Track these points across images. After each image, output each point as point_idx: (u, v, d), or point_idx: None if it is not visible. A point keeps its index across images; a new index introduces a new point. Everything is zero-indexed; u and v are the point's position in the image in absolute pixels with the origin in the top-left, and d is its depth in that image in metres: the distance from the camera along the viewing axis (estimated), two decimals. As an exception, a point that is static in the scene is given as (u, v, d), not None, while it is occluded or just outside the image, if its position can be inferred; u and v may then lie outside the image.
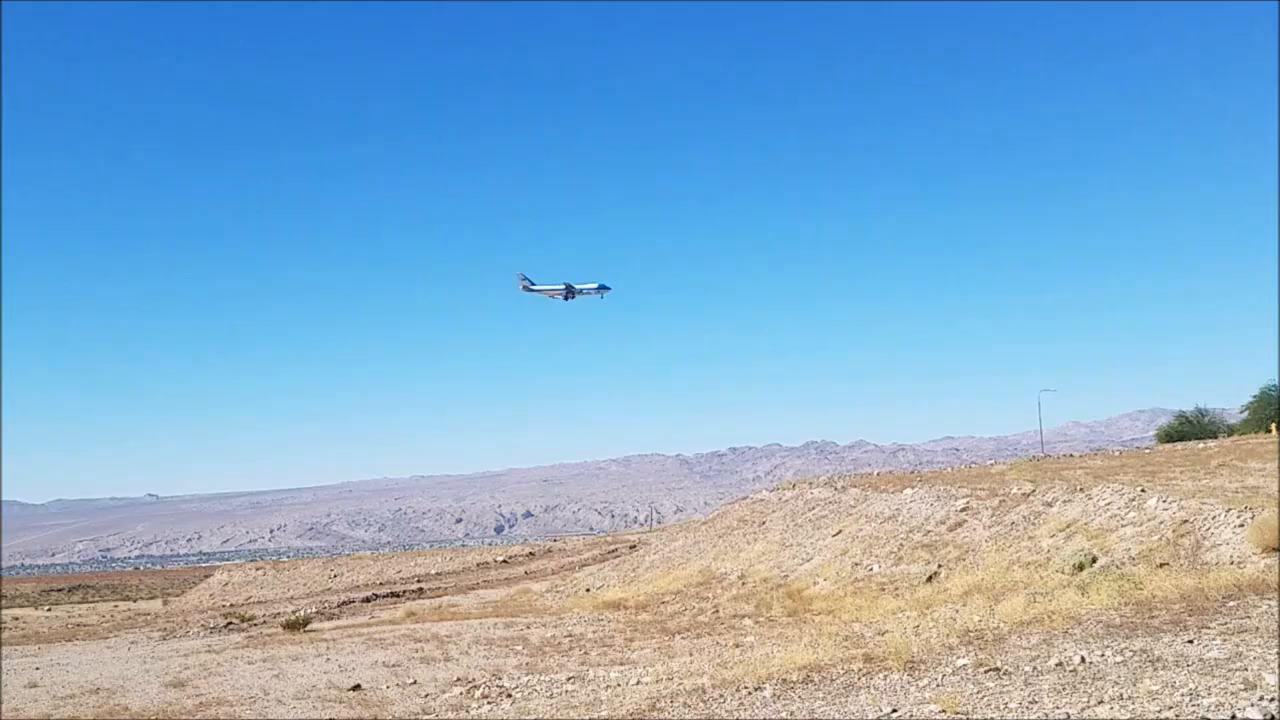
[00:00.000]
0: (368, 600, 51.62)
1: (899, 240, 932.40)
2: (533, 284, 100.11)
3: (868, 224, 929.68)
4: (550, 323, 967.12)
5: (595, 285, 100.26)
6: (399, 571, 76.86)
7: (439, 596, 51.86)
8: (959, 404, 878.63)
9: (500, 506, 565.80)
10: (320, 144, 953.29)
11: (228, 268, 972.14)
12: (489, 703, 17.28)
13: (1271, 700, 8.95)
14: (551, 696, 16.80)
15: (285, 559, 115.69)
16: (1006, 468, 47.48)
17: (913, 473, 59.70)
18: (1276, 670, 9.92)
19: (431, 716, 16.19)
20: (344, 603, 50.38)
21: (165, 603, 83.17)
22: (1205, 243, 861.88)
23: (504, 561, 77.63)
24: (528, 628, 29.65)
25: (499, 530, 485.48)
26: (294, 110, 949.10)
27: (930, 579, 26.85)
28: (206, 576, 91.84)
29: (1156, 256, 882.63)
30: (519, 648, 25.36)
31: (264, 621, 40.81)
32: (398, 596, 53.39)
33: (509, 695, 18.01)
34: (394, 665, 23.02)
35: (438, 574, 70.49)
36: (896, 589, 26.90)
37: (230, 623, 41.29)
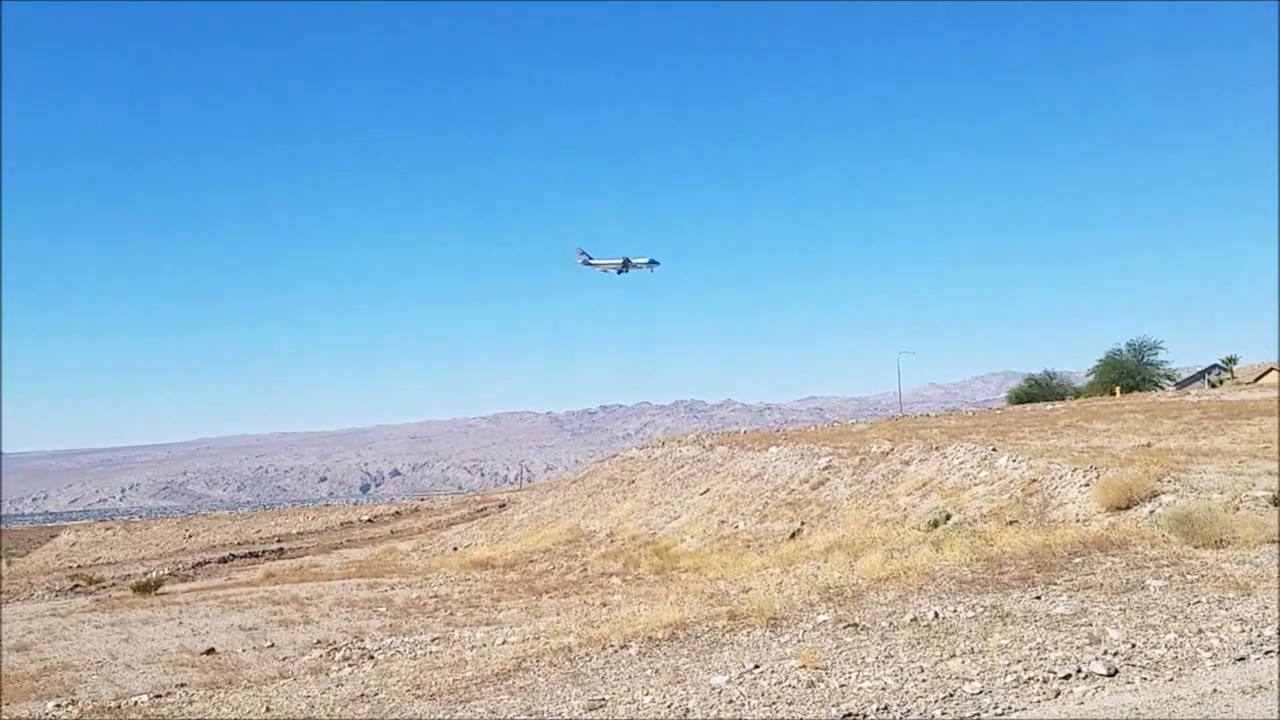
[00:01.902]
0: (224, 561, 50.14)
1: (764, 204, 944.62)
2: (591, 259, 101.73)
3: (734, 187, 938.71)
4: (420, 277, 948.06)
5: (647, 260, 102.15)
6: (259, 531, 74.74)
7: (300, 557, 50.70)
8: (823, 365, 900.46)
9: (366, 464, 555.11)
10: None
11: (79, 215, 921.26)
12: (350, 665, 16.94)
13: (1115, 654, 9.36)
14: (415, 658, 16.55)
15: (137, 519, 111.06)
16: (867, 427, 48.88)
17: (778, 431, 60.90)
18: (1119, 625, 10.39)
19: (289, 680, 15.73)
20: (199, 564, 48.84)
21: (8, 564, 79.01)
22: (1058, 216, 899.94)
23: (369, 521, 76.41)
24: (392, 588, 29.25)
25: (365, 489, 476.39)
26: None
27: (794, 536, 27.44)
28: (53, 537, 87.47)
29: (1010, 229, 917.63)
30: (383, 609, 24.98)
31: (113, 584, 39.38)
32: (256, 557, 52.01)
33: (371, 657, 17.70)
34: (251, 628, 22.43)
35: (300, 534, 68.87)
36: (761, 546, 27.41)
37: (77, 585, 39.74)
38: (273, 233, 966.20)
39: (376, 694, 12.43)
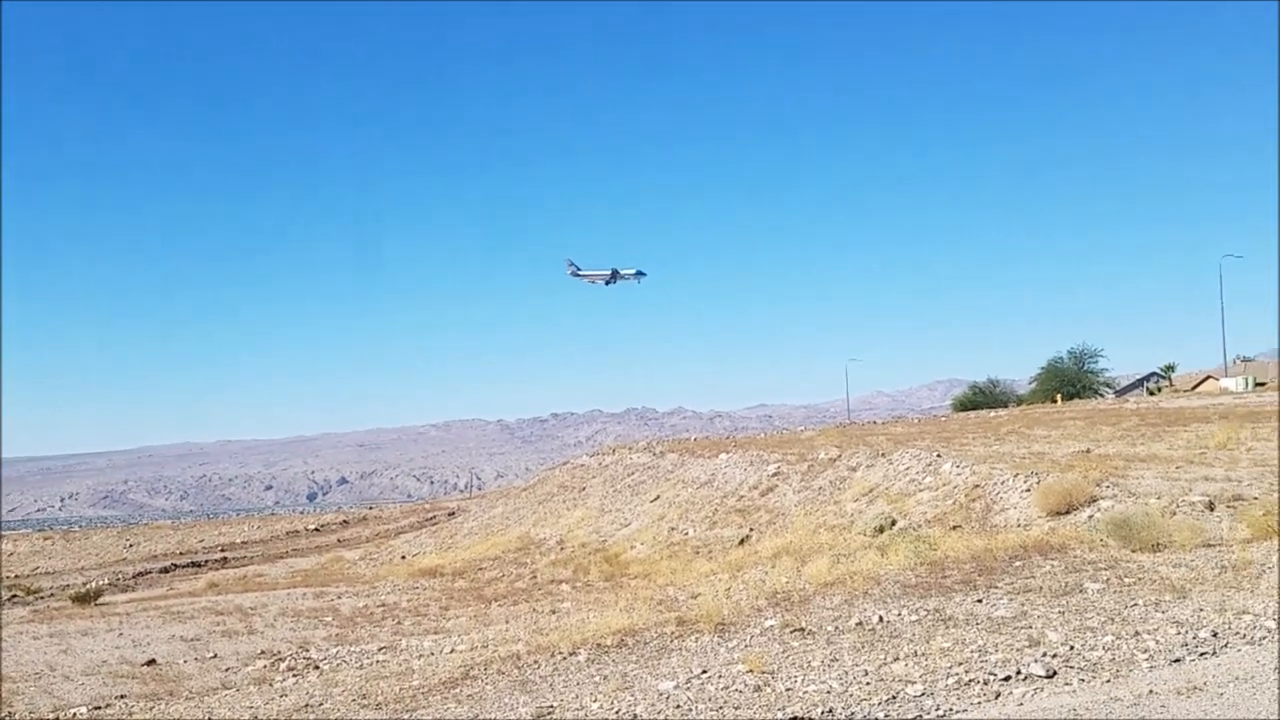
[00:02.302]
0: (166, 571, 49.39)
1: (713, 212, 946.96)
2: (580, 270, 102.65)
3: (682, 195, 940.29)
4: (367, 283, 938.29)
5: (634, 271, 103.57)
6: (202, 541, 73.51)
7: (244, 566, 50.06)
8: (772, 373, 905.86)
9: (313, 473, 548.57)
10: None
11: (11, 219, 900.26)
12: (295, 675, 16.76)
13: (1054, 656, 9.54)
14: (362, 667, 16.42)
15: (77, 528, 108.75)
16: (815, 434, 49.31)
17: (728, 438, 61.33)
18: (1058, 627, 10.59)
19: (232, 691, 15.54)
20: (140, 574, 48.08)
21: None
22: (1002, 224, 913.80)
23: (316, 529, 75.56)
24: (339, 597, 28.96)
25: (312, 498, 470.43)
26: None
27: (742, 542, 27.61)
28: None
29: (956, 238, 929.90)
30: (329, 618, 24.73)
31: (51, 594, 38.63)
32: (199, 567, 51.24)
33: (316, 667, 17.51)
34: (193, 639, 22.09)
35: (244, 543, 67.92)
36: (710, 552, 27.54)
37: (14, 595, 38.95)
38: (216, 237, 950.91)
39: (321, 704, 12.33)
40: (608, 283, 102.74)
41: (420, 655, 16.79)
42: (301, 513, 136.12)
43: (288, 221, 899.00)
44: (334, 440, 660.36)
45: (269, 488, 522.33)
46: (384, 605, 26.56)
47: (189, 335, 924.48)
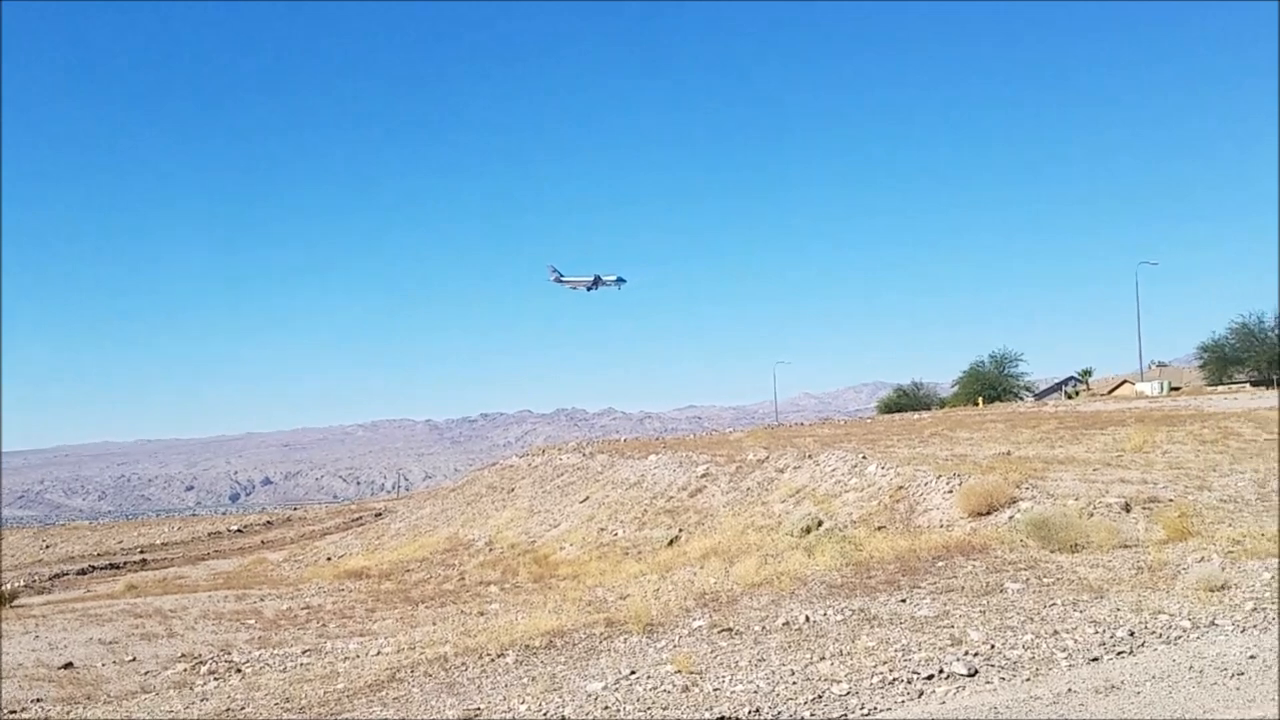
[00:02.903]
0: (83, 573, 48.06)
1: (642, 215, 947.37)
2: (562, 276, 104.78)
3: (612, 197, 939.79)
4: (291, 279, 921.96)
5: (614, 277, 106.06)
6: (120, 542, 71.56)
7: (165, 568, 48.90)
8: (701, 374, 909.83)
9: (236, 473, 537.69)
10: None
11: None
12: (216, 679, 16.41)
13: (975, 655, 9.75)
14: (285, 670, 16.13)
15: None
16: (744, 435, 49.67)
17: (658, 439, 61.51)
18: (980, 627, 10.82)
19: (151, 695, 15.17)
20: (56, 576, 46.73)
21: None
22: (926, 231, 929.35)
23: (239, 531, 73.99)
24: (262, 600, 28.43)
25: (235, 498, 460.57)
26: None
27: (671, 543, 27.69)
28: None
29: (880, 241, 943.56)
30: (251, 621, 24.27)
31: (-39, 598, 37.27)
32: (118, 569, 49.92)
33: (239, 670, 17.18)
34: (111, 642, 21.50)
35: (164, 544, 66.24)
36: (640, 553, 27.56)
37: (-79, 600, 37.49)
38: (134, 232, 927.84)
39: (244, 708, 12.12)
40: (589, 289, 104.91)
41: (345, 658, 16.55)
42: (224, 514, 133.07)
43: (200, 220, 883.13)
44: (257, 440, 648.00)
45: (190, 488, 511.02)
46: (308, 608, 26.14)
47: (106, 332, 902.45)
